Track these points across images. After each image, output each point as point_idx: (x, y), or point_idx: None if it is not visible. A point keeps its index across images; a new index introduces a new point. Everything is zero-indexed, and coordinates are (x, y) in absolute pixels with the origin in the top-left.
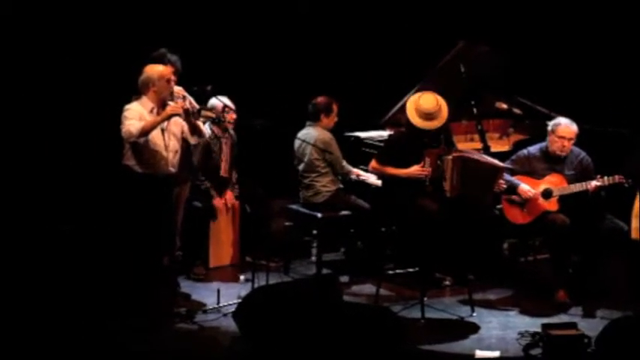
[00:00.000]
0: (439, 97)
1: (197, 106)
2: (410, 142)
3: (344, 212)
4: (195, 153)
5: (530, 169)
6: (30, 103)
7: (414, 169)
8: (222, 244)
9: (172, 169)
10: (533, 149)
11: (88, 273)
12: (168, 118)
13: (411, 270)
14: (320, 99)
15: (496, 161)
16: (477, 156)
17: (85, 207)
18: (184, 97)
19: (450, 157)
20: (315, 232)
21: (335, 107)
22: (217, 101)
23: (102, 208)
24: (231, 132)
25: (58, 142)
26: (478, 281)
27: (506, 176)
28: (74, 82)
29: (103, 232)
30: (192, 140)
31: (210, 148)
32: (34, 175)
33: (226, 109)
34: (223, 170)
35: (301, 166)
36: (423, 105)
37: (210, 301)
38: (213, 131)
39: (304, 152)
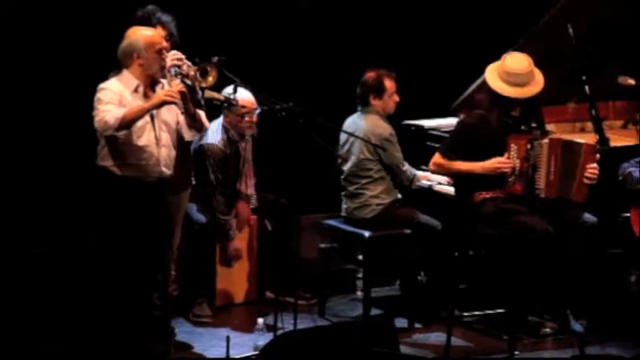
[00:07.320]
0: (531, 60)
1: (197, 77)
2: (488, 127)
3: (401, 231)
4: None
5: None
6: None
7: (495, 162)
8: (234, 275)
9: (166, 171)
10: None
11: (55, 309)
12: (160, 105)
13: (495, 312)
14: (367, 75)
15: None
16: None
17: (51, 223)
18: (180, 65)
19: (546, 140)
20: (361, 257)
21: (389, 83)
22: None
23: (71, 225)
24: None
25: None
26: (594, 329)
27: (636, 173)
28: (27, 52)
29: (72, 258)
30: (188, 135)
31: (225, 160)
32: None
33: (243, 109)
34: (244, 186)
35: (346, 167)
36: (510, 65)
37: (216, 353)
38: (228, 136)
39: (351, 149)
